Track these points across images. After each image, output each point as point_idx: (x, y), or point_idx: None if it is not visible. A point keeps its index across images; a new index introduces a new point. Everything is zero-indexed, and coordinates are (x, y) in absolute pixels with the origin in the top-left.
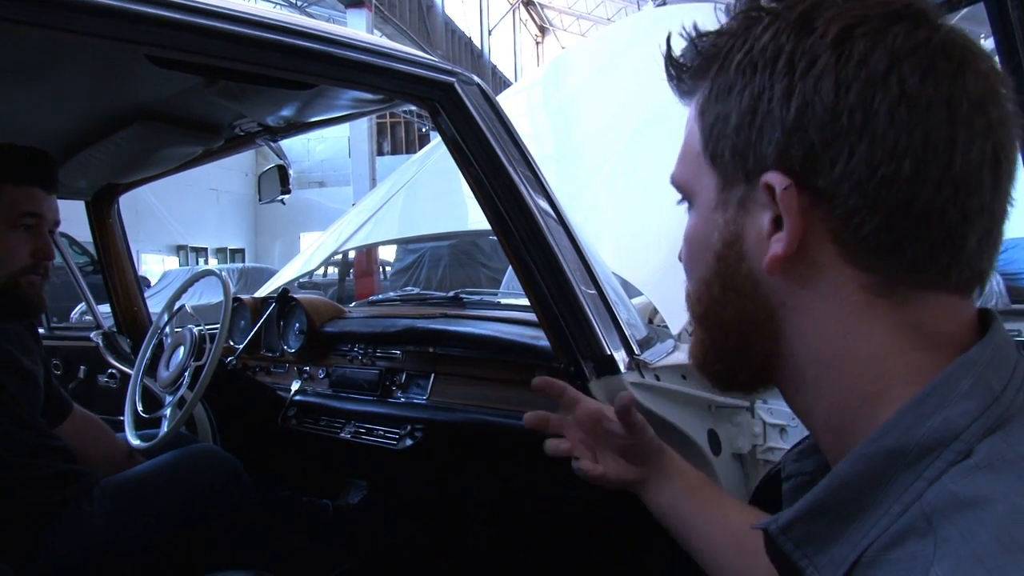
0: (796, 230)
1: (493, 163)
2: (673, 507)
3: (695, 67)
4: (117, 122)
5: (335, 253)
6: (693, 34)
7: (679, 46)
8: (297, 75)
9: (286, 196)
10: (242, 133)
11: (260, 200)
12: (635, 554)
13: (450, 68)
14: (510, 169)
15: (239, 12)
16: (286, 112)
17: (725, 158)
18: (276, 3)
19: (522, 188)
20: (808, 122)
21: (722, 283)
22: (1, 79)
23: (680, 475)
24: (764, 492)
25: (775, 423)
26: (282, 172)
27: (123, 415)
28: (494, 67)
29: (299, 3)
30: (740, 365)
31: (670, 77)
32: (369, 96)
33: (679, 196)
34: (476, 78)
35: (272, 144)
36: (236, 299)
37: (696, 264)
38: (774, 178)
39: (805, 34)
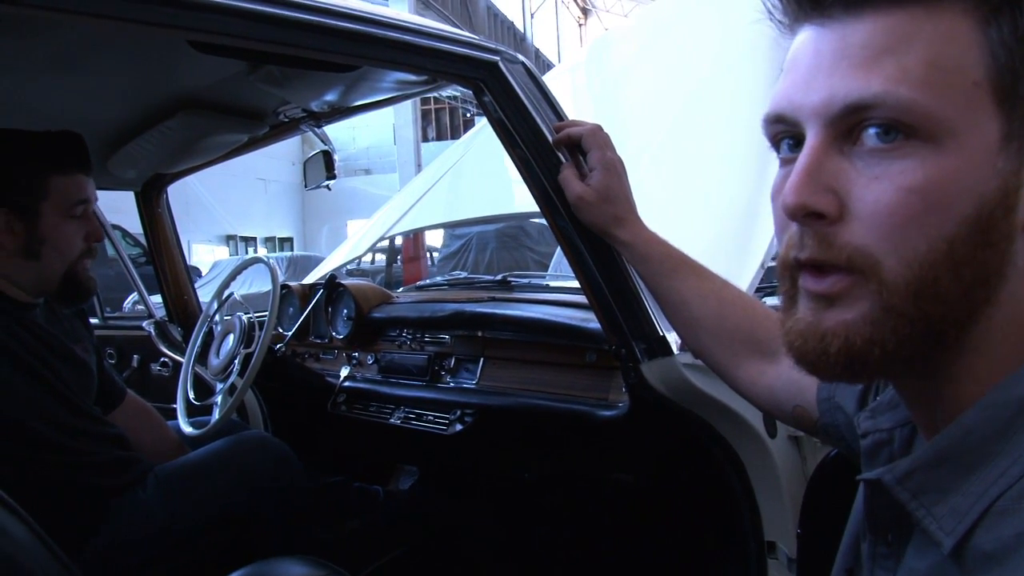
0: None
1: (540, 143)
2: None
3: None
4: (162, 111)
5: (381, 239)
6: None
7: None
8: (339, 57)
9: (331, 182)
10: (286, 120)
11: (306, 186)
12: (686, 536)
13: (493, 47)
14: (557, 148)
15: None
16: (330, 97)
17: (1017, 95)
18: None
19: None
20: None
21: (975, 241)
22: (49, 70)
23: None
24: (822, 476)
25: None
26: (327, 158)
27: (176, 403)
28: (537, 51)
29: None
30: (921, 341)
31: None
32: (412, 78)
33: (765, 141)
34: (520, 56)
35: (316, 130)
36: (284, 286)
37: (937, 219)
38: None
39: None
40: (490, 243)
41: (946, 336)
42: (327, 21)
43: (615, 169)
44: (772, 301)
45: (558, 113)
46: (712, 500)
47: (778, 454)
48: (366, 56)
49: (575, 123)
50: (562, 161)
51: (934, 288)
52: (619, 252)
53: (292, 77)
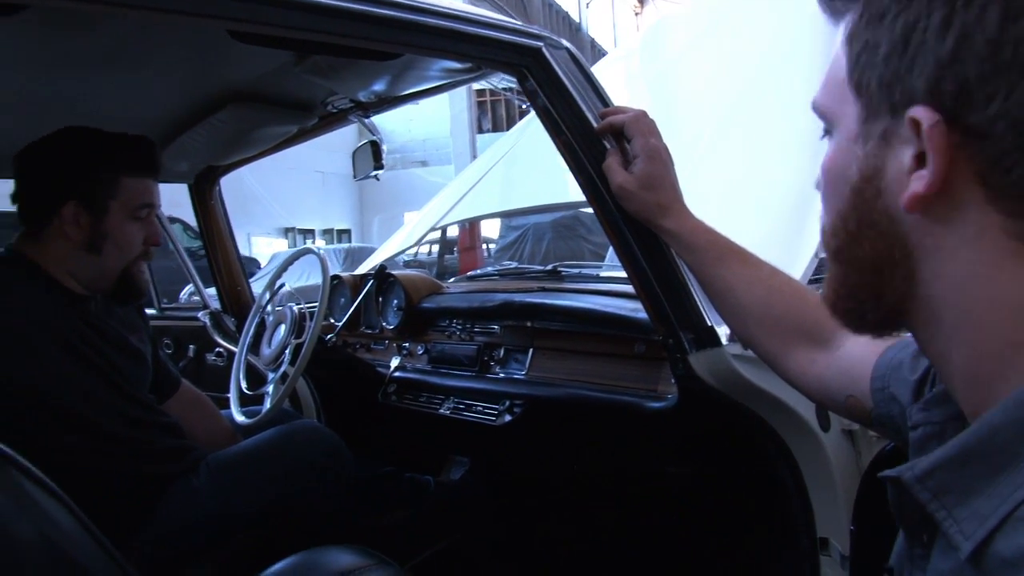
0: (940, 169)
1: (585, 130)
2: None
3: None
4: (212, 104)
5: (432, 229)
6: None
7: None
8: (381, 45)
9: (380, 172)
10: (335, 110)
11: (355, 177)
12: (736, 531)
13: (537, 32)
14: (603, 136)
15: None
16: (377, 87)
17: (871, 88)
18: None
19: None
20: (966, 55)
21: (858, 218)
22: (100, 67)
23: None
24: (877, 471)
25: None
26: (375, 148)
27: (229, 392)
28: (592, 40)
29: None
30: (871, 304)
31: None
32: (457, 65)
33: (819, 130)
34: (565, 42)
35: (365, 120)
36: (335, 277)
37: (832, 196)
38: (922, 113)
39: None
40: (546, 233)
41: (884, 301)
42: (368, 9)
43: (659, 156)
44: None
45: (603, 99)
46: (763, 495)
47: (831, 448)
48: (408, 44)
49: (619, 109)
50: (607, 148)
51: (846, 253)
52: (665, 241)
53: (338, 67)
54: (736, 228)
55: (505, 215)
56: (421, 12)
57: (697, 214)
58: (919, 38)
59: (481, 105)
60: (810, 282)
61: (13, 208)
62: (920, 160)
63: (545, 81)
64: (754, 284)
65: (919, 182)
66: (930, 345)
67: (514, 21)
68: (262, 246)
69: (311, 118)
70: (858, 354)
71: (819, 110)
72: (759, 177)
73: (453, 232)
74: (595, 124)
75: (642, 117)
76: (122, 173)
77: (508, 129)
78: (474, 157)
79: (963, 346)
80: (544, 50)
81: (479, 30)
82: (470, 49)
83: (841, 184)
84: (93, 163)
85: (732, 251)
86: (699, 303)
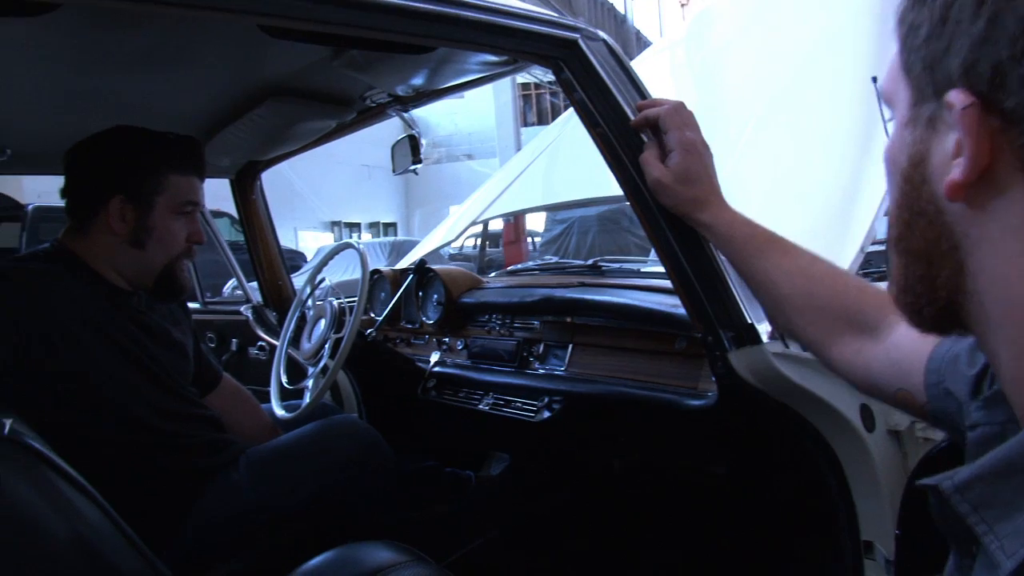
0: (976, 155)
1: (622, 122)
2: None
3: None
4: (251, 100)
5: (474, 223)
6: None
7: None
8: (414, 38)
9: (418, 166)
10: (373, 105)
11: (394, 171)
12: (778, 533)
13: (573, 24)
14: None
15: None
16: (414, 80)
17: (916, 71)
18: None
19: None
20: (998, 35)
21: (909, 206)
22: (141, 64)
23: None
24: (924, 473)
25: None
26: (413, 142)
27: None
28: (638, 32)
29: None
30: (926, 299)
31: None
32: (493, 58)
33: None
34: (602, 34)
35: (403, 114)
36: (376, 271)
37: (890, 184)
38: (956, 96)
39: None
40: (592, 227)
41: (937, 295)
42: (400, 2)
43: (695, 149)
44: (881, 286)
45: (641, 91)
46: (806, 496)
47: (876, 449)
48: (442, 37)
49: (656, 102)
50: (644, 141)
51: (903, 243)
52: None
53: (375, 61)
54: (780, 221)
55: (548, 209)
56: (454, 4)
57: (740, 206)
58: (955, 18)
59: (526, 98)
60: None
61: (60, 203)
62: (962, 146)
63: (581, 73)
64: (794, 274)
65: (957, 169)
66: (984, 344)
67: (549, 13)
68: (308, 240)
69: (349, 113)
70: (909, 345)
71: (883, 95)
72: (804, 169)
73: (495, 226)
74: (632, 117)
75: (679, 109)
76: (169, 170)
77: (554, 120)
78: (519, 150)
79: (1008, 345)
80: (580, 42)
81: (513, 22)
82: (505, 41)
83: (895, 172)
84: (141, 159)
85: (771, 242)
86: (739, 300)
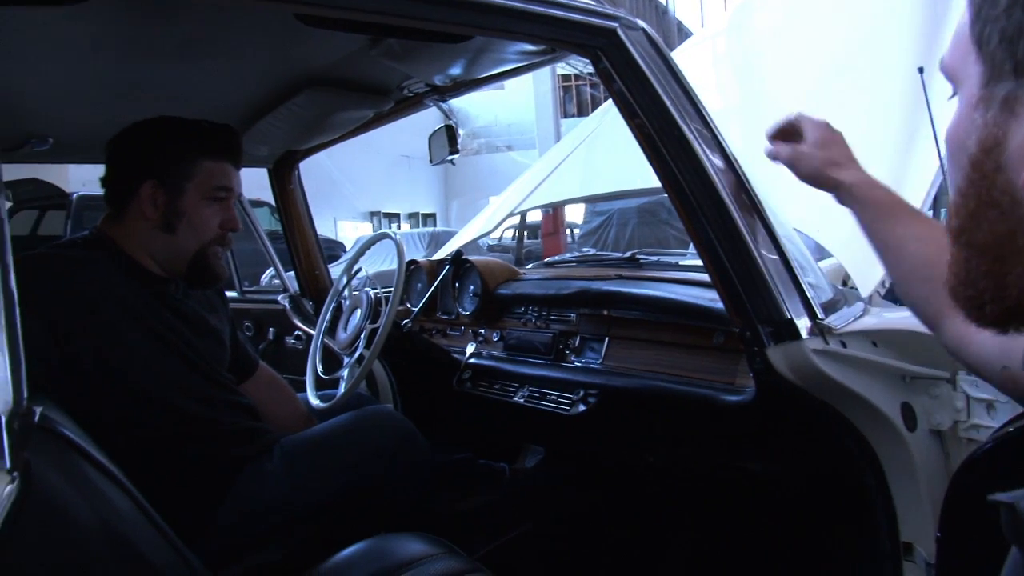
0: None
1: (660, 112)
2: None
3: None
4: (290, 89)
5: (511, 214)
6: None
7: None
8: (451, 27)
9: (455, 156)
10: (410, 94)
11: (431, 161)
12: (816, 532)
13: (611, 12)
14: (679, 119)
15: None
16: (452, 70)
17: (992, 45)
18: None
19: (693, 139)
20: None
21: (977, 195)
22: (180, 54)
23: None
24: (968, 475)
25: (981, 397)
26: (450, 132)
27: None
28: (679, 23)
29: None
30: (990, 295)
31: None
32: (531, 48)
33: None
34: (641, 22)
35: (441, 104)
36: (412, 262)
37: (953, 169)
38: None
39: None
40: (631, 219)
41: (1006, 291)
42: None
43: (829, 126)
44: None
45: (680, 81)
46: (845, 495)
47: (918, 449)
48: (479, 25)
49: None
50: (685, 134)
51: (966, 236)
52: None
53: (413, 51)
54: (821, 218)
55: (587, 200)
56: None
57: (783, 204)
58: None
59: (566, 89)
60: None
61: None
62: None
63: (620, 63)
64: (926, 241)
65: None
66: None
67: (588, 2)
68: (348, 230)
69: (387, 102)
70: None
71: (946, 70)
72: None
73: (535, 217)
74: (671, 106)
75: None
76: (199, 155)
77: (594, 111)
78: (558, 141)
79: None
80: (619, 31)
81: (550, 10)
82: (542, 30)
83: (960, 156)
84: (171, 145)
85: (906, 208)
86: (778, 295)
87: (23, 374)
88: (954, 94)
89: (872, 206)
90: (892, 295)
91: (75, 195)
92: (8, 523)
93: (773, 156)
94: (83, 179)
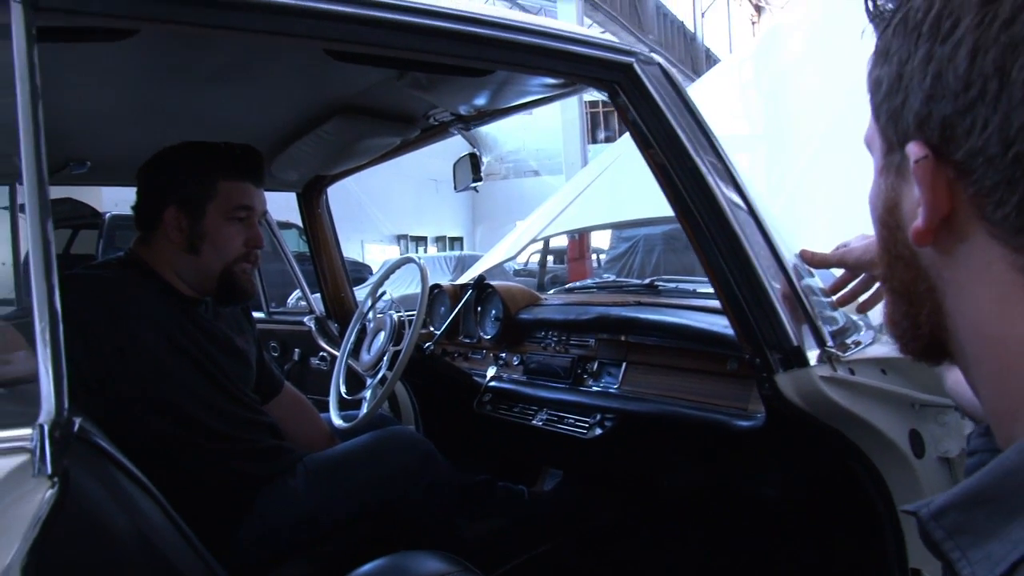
0: (933, 204)
1: (674, 145)
2: None
3: (874, 21)
4: (319, 116)
5: (535, 240)
6: None
7: None
8: (474, 62)
9: (478, 184)
10: (436, 123)
11: (455, 188)
12: (825, 557)
13: (628, 48)
14: (692, 151)
15: (411, 3)
16: (476, 100)
17: (882, 123)
18: None
19: (704, 170)
20: (943, 92)
21: (888, 250)
22: (213, 81)
23: None
24: None
25: None
26: (474, 160)
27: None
28: (707, 50)
29: None
30: (910, 334)
31: (872, 23)
32: (553, 80)
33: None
34: (657, 57)
35: (465, 133)
36: (436, 286)
37: (873, 227)
38: (912, 149)
39: None
40: (657, 246)
41: (920, 330)
42: (459, 27)
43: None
44: None
45: (694, 114)
46: (854, 521)
47: (925, 476)
48: (499, 61)
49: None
50: (698, 166)
51: (888, 283)
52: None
53: (438, 82)
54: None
55: (612, 227)
56: (511, 30)
57: (808, 220)
58: (908, 75)
59: (594, 116)
60: None
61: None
62: None
63: (636, 96)
64: None
65: (920, 217)
66: (967, 377)
67: (605, 37)
68: (375, 253)
69: (413, 130)
70: None
71: (865, 142)
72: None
73: (558, 242)
74: (684, 138)
75: None
76: (219, 177)
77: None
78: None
79: (985, 382)
80: (636, 66)
81: (569, 46)
82: (560, 65)
83: (874, 216)
84: (190, 169)
85: None
86: (787, 322)
87: (64, 386)
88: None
89: None
90: None
91: (108, 215)
92: (47, 526)
93: (820, 264)
94: (116, 200)
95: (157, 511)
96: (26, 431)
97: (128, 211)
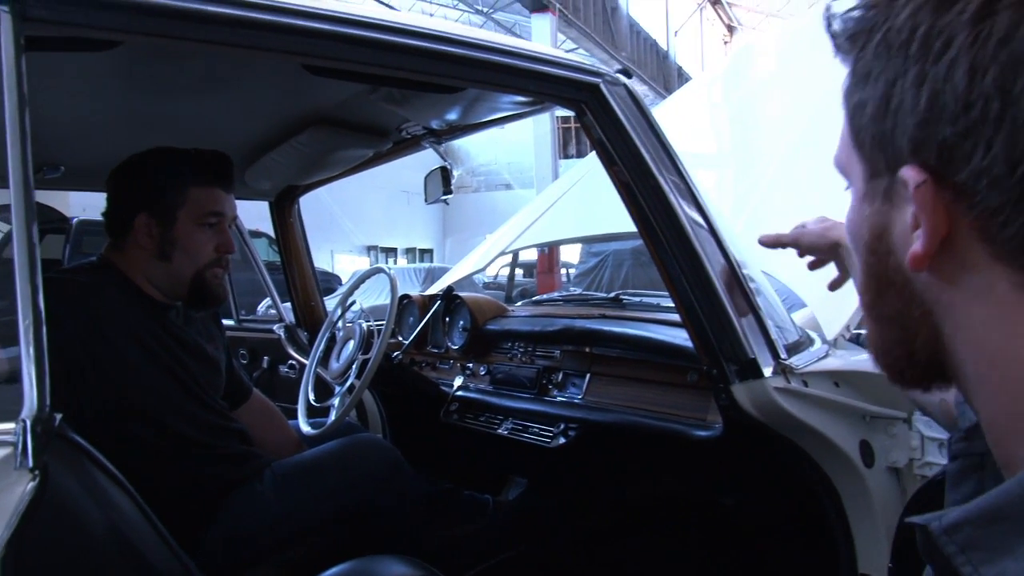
0: (934, 228)
1: (638, 163)
2: None
3: (843, 43)
4: (294, 127)
5: (503, 252)
6: None
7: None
8: (446, 79)
9: (449, 197)
10: (409, 136)
11: (426, 201)
12: (778, 562)
13: (595, 69)
14: (655, 170)
15: (386, 21)
16: (448, 115)
17: (867, 147)
18: (464, 10)
19: (666, 188)
20: (939, 114)
21: (876, 276)
22: (192, 91)
23: None
24: (917, 506)
25: (933, 436)
26: (444, 173)
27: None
28: (680, 68)
29: (485, 9)
30: (905, 362)
31: (833, 44)
32: (522, 98)
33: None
34: (623, 79)
35: (437, 146)
36: (405, 297)
37: (856, 254)
38: (909, 173)
39: (944, 9)
40: (626, 260)
41: (917, 357)
42: (432, 46)
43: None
44: None
45: (658, 135)
46: (807, 528)
47: (875, 484)
48: (470, 79)
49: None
50: (660, 184)
51: (875, 310)
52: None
53: (412, 97)
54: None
55: (581, 241)
56: (483, 49)
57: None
58: (898, 97)
59: (566, 131)
60: None
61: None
62: (919, 219)
63: (602, 116)
64: None
65: (918, 242)
66: (967, 398)
67: (573, 58)
68: (345, 263)
69: (386, 143)
70: None
71: (838, 166)
72: (830, 207)
73: (527, 256)
74: (647, 157)
75: None
76: (189, 183)
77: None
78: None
79: (987, 402)
80: (602, 87)
81: (538, 66)
82: (530, 84)
83: (858, 243)
84: (160, 176)
85: None
86: (743, 335)
87: (47, 383)
88: (848, 187)
89: None
90: (857, 338)
91: (75, 220)
92: (26, 518)
93: (774, 244)
94: (83, 204)
95: (132, 507)
96: (9, 425)
97: (96, 216)
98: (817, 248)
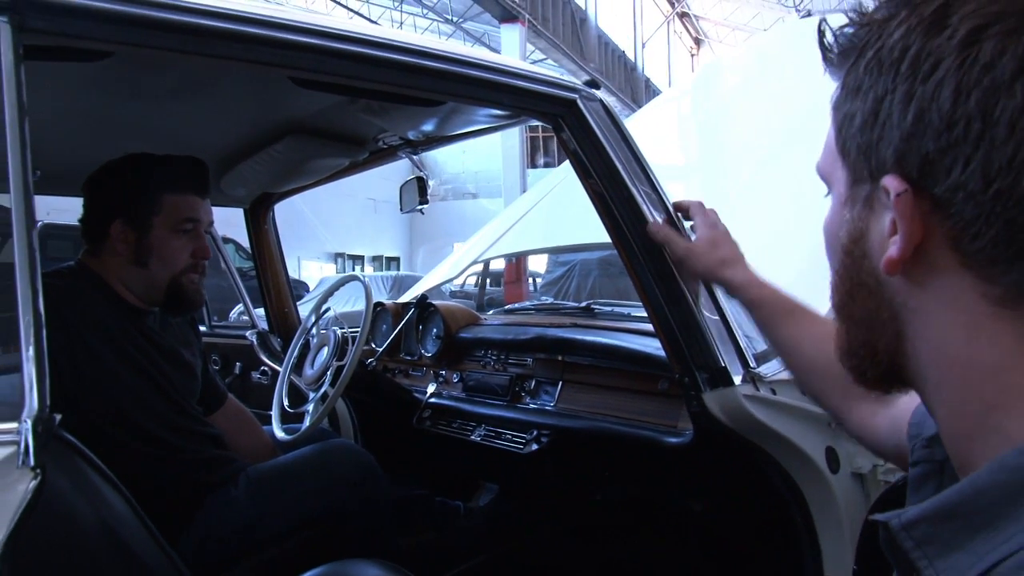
0: (910, 235)
1: (612, 175)
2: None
3: (835, 57)
4: (271, 135)
5: (475, 262)
6: (852, 15)
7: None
8: (426, 93)
9: (425, 206)
10: (385, 146)
11: (401, 210)
12: (745, 567)
13: (572, 84)
14: (629, 183)
15: (370, 36)
16: (425, 127)
17: (853, 156)
18: (433, 19)
19: (640, 199)
20: (924, 129)
21: (850, 278)
22: (171, 98)
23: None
24: (879, 510)
25: None
26: (420, 183)
27: (272, 409)
28: (647, 80)
29: (455, 19)
30: (868, 361)
31: (823, 57)
32: (500, 112)
33: (825, 190)
34: (599, 94)
35: (413, 156)
36: (379, 304)
37: (830, 256)
38: (891, 182)
39: (934, 34)
40: (592, 270)
41: (879, 358)
42: (413, 60)
43: (718, 224)
44: None
45: (632, 149)
46: (774, 532)
47: (840, 490)
48: (449, 92)
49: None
50: (634, 195)
51: (845, 311)
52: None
53: (390, 108)
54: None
55: (550, 251)
56: (462, 64)
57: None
58: (886, 111)
59: (534, 141)
60: None
61: (69, 222)
62: (897, 226)
63: (578, 129)
64: (820, 340)
65: (894, 247)
66: (924, 400)
67: (551, 73)
68: (312, 270)
69: (363, 152)
70: (905, 401)
71: (820, 173)
72: (795, 219)
73: (498, 265)
74: (621, 170)
75: (703, 205)
76: (164, 191)
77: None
78: (524, 191)
79: (944, 405)
80: (579, 102)
81: (516, 81)
82: (507, 98)
83: (835, 245)
84: (135, 183)
85: (798, 308)
86: (713, 344)
87: (47, 384)
88: (828, 192)
89: (761, 306)
90: None
91: (40, 223)
92: (26, 515)
93: (663, 239)
94: (48, 208)
95: (124, 505)
96: (12, 425)
97: (61, 221)
98: (702, 278)
